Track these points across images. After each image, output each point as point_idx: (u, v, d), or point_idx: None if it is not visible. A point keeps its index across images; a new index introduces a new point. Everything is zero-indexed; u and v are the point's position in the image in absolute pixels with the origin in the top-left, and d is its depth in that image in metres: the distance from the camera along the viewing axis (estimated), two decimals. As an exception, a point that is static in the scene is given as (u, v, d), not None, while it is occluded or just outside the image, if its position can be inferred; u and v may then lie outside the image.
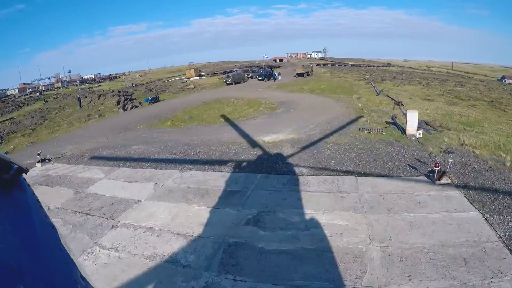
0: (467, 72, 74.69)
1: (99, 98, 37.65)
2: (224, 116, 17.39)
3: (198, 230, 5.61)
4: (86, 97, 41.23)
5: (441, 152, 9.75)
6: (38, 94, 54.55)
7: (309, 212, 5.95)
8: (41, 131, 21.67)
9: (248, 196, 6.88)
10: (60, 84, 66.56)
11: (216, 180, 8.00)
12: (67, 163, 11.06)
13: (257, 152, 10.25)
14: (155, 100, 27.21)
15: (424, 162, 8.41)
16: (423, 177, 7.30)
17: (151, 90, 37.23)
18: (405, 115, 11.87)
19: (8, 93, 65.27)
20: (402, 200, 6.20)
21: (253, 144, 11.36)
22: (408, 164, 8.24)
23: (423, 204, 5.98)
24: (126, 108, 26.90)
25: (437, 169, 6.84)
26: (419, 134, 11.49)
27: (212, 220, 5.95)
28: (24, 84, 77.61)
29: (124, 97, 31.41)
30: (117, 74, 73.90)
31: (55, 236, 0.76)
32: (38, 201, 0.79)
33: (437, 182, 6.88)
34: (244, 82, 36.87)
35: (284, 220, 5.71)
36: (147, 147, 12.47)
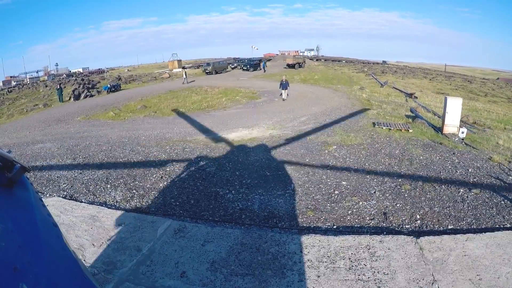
0: (462, 74, 72.38)
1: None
2: (186, 106, 13.04)
3: None
4: (46, 86, 36.74)
5: (510, 161, 6.02)
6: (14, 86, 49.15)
7: None
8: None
9: None
10: (46, 78, 61.33)
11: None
12: None
13: (202, 161, 5.95)
14: (115, 88, 22.68)
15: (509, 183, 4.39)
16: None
17: (120, 79, 32.40)
18: (444, 104, 7.87)
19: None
20: None
21: (208, 144, 7.09)
22: (493, 191, 4.15)
23: None
24: (79, 97, 22.65)
25: None
26: (463, 132, 7.64)
27: None
28: (11, 77, 72.32)
29: (83, 85, 26.67)
30: (106, 68, 68.27)
31: (57, 235, 0.73)
32: (41, 200, 0.77)
33: None
34: (226, 72, 32.29)
35: None
36: (51, 145, 8.29)
